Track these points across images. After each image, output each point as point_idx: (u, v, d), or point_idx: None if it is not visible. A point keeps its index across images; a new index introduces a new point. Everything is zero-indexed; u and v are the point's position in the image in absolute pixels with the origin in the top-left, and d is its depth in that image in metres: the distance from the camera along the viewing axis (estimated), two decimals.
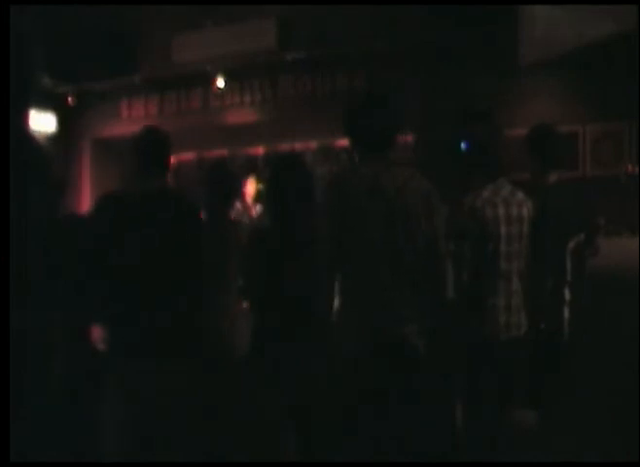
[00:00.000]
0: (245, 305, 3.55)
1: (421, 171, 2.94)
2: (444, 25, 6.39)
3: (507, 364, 3.19)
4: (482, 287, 3.20)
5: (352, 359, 2.77)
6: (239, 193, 5.35)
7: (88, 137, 9.26)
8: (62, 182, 4.51)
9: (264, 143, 8.49)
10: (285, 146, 8.14)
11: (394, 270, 2.79)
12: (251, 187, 6.28)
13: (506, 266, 3.22)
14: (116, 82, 8.48)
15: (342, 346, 2.82)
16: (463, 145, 3.35)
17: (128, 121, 8.87)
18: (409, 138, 6.89)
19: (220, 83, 8.15)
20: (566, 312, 3.85)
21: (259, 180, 6.21)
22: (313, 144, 8.13)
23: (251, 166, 8.08)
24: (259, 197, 5.99)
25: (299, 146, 8.05)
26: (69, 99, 8.82)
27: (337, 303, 2.86)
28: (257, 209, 6.07)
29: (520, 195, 3.32)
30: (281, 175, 3.30)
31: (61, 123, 9.01)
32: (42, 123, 8.69)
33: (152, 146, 3.28)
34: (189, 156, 8.58)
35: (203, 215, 3.59)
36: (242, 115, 8.34)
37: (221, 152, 8.48)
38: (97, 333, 3.38)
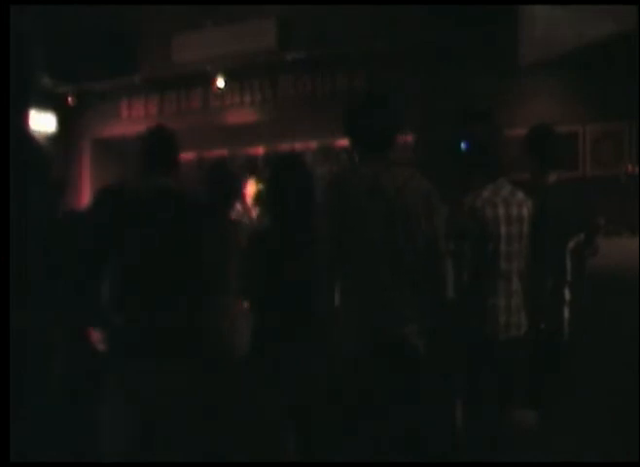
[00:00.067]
0: (245, 305, 3.55)
1: (421, 171, 2.94)
2: (444, 25, 6.39)
3: (507, 364, 3.19)
4: (482, 287, 3.20)
5: (352, 359, 2.77)
6: (239, 193, 5.35)
7: (88, 137, 9.26)
8: (62, 182, 4.52)
9: (264, 143, 8.49)
10: (285, 146, 8.14)
11: (394, 270, 2.79)
12: (251, 188, 6.28)
13: (506, 266, 3.22)
14: (116, 82, 8.48)
15: (342, 346, 2.82)
16: (463, 145, 3.35)
17: (128, 121, 8.88)
18: (409, 138, 6.89)
19: (220, 83, 8.15)
20: (566, 312, 3.85)
21: (259, 180, 6.21)
22: (313, 144, 8.13)
23: (251, 166, 8.07)
24: (259, 197, 5.99)
25: (299, 146, 8.05)
26: (69, 99, 8.82)
27: (337, 303, 2.86)
28: (255, 211, 6.06)
29: (520, 195, 3.32)
30: (281, 175, 3.30)
31: (61, 123, 9.01)
32: (42, 123, 8.69)
33: (158, 145, 3.28)
34: (189, 156, 8.57)
35: (203, 215, 3.58)
36: (242, 115, 8.35)
37: (221, 152, 8.48)
38: (97, 333, 3.38)
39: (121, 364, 3.06)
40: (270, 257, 3.20)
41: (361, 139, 2.95)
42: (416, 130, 6.74)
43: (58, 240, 3.28)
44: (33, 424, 3.07)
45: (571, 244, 3.89)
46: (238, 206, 5.73)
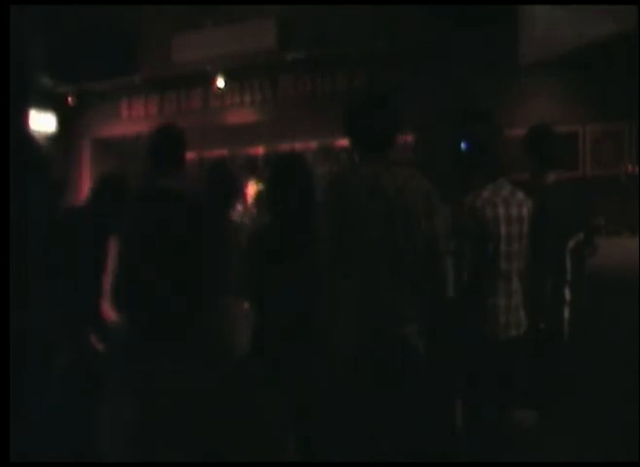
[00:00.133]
0: (245, 305, 3.55)
1: (421, 171, 2.94)
2: (444, 25, 6.38)
3: (507, 364, 3.19)
4: (482, 287, 3.20)
5: (352, 359, 2.77)
6: (240, 193, 5.34)
7: (88, 137, 9.26)
8: (62, 182, 4.52)
9: (264, 143, 8.49)
10: (285, 146, 8.14)
11: (394, 270, 2.79)
12: (252, 189, 6.28)
13: (506, 265, 3.22)
14: (116, 82, 8.48)
15: (342, 346, 2.82)
16: (463, 145, 3.35)
17: (128, 121, 8.88)
18: (409, 138, 6.89)
19: (220, 83, 8.15)
20: (566, 312, 3.85)
21: (259, 181, 6.21)
22: (313, 144, 8.13)
23: (251, 166, 8.08)
24: (259, 197, 5.98)
25: (299, 146, 8.05)
26: (69, 99, 8.82)
27: (337, 302, 2.86)
28: (253, 211, 6.06)
29: (520, 195, 3.32)
30: (282, 175, 3.30)
31: (61, 123, 9.01)
32: (42, 123, 8.69)
33: (167, 143, 3.28)
34: (189, 156, 8.55)
35: (203, 215, 3.58)
36: (242, 115, 8.34)
37: (221, 152, 8.48)
38: (97, 333, 3.38)
39: (121, 364, 3.06)
40: (270, 257, 3.20)
41: (361, 139, 2.95)
42: (416, 130, 6.74)
43: (58, 238, 3.28)
44: (33, 424, 3.07)
45: (571, 244, 3.89)
46: (239, 206, 5.73)
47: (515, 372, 3.24)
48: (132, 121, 8.81)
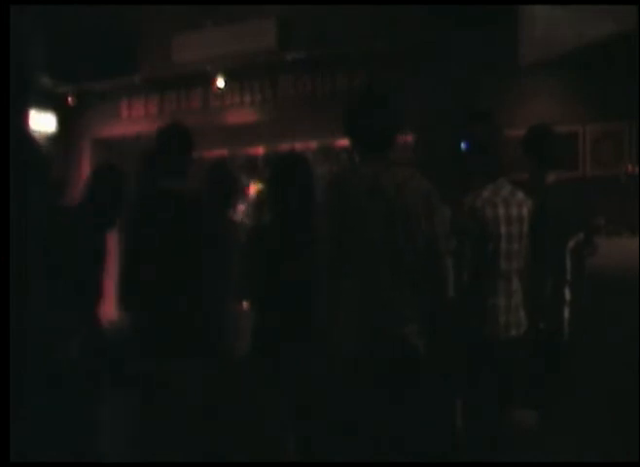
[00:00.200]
0: (245, 305, 3.55)
1: (421, 171, 2.94)
2: (444, 25, 6.38)
3: (507, 364, 3.19)
4: (482, 287, 3.20)
5: (352, 359, 2.77)
6: (241, 193, 5.35)
7: (88, 137, 9.24)
8: (62, 182, 4.52)
9: (264, 143, 8.48)
10: (285, 146, 8.12)
11: (394, 270, 2.79)
12: (254, 189, 6.28)
13: (506, 265, 3.22)
14: (116, 82, 8.47)
15: (342, 346, 2.82)
16: (463, 145, 3.35)
17: (128, 121, 8.87)
18: (409, 138, 6.89)
19: (220, 83, 8.15)
20: (566, 312, 3.85)
21: (259, 181, 6.21)
22: (313, 144, 8.11)
23: (251, 166, 8.07)
24: (259, 197, 5.99)
25: (299, 146, 8.03)
26: (69, 99, 8.81)
27: (337, 302, 2.86)
28: (256, 211, 6.06)
29: (520, 195, 3.33)
30: (282, 174, 3.30)
31: (61, 123, 9.00)
32: (42, 123, 8.68)
33: (174, 143, 3.28)
34: None
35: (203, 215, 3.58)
36: (242, 115, 8.34)
37: (221, 152, 8.47)
38: (98, 332, 3.38)
39: (121, 364, 3.06)
40: (270, 256, 3.20)
41: (361, 139, 2.95)
42: (416, 130, 6.73)
43: (58, 236, 3.27)
44: (33, 424, 3.06)
45: (571, 244, 3.89)
46: (241, 206, 5.73)
47: (515, 372, 3.24)
48: (132, 121, 8.79)
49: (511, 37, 5.95)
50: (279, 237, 3.21)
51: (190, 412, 3.06)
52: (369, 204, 2.78)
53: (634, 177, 5.90)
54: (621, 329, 4.06)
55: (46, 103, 8.69)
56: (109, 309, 3.66)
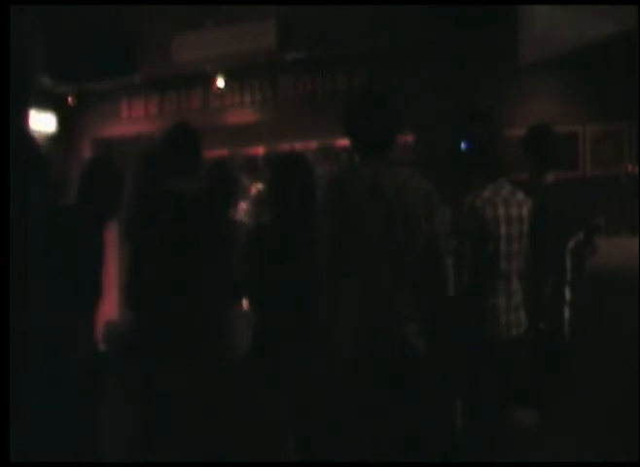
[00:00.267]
0: (245, 304, 3.55)
1: (421, 171, 2.94)
2: (444, 25, 6.38)
3: (507, 364, 3.19)
4: (482, 287, 3.20)
5: (352, 359, 2.77)
6: (240, 193, 5.34)
7: (88, 137, 9.24)
8: (62, 182, 4.52)
9: (264, 143, 8.48)
10: (285, 146, 8.12)
11: (394, 270, 2.79)
12: (254, 189, 6.28)
13: (506, 265, 3.22)
14: (116, 82, 8.47)
15: (342, 346, 2.82)
16: (463, 145, 3.35)
17: (128, 121, 8.86)
18: (409, 138, 6.89)
19: (220, 83, 8.14)
20: (566, 312, 3.85)
21: (259, 181, 6.21)
22: (313, 144, 8.11)
23: (251, 166, 8.07)
24: (259, 197, 5.99)
25: (299, 146, 8.03)
26: (69, 99, 8.80)
27: (337, 302, 2.86)
28: (251, 209, 6.05)
29: (520, 195, 3.33)
30: (282, 174, 3.30)
31: (61, 123, 8.99)
32: (42, 123, 8.67)
33: (182, 144, 3.29)
34: None
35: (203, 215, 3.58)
36: (242, 115, 8.33)
37: (221, 152, 8.47)
38: (97, 333, 3.38)
39: (121, 364, 3.06)
40: (270, 256, 3.20)
41: (361, 139, 2.95)
42: (416, 130, 6.73)
43: (57, 235, 3.27)
44: (33, 424, 3.07)
45: (571, 244, 3.89)
46: (243, 205, 5.73)
47: (515, 372, 3.24)
48: (132, 121, 8.79)
49: (511, 37, 5.94)
50: (279, 237, 3.21)
51: (190, 412, 3.06)
52: (369, 204, 2.78)
53: (634, 177, 5.90)
54: (621, 329, 4.06)
55: (46, 103, 8.68)
56: (109, 309, 3.66)
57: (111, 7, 7.89)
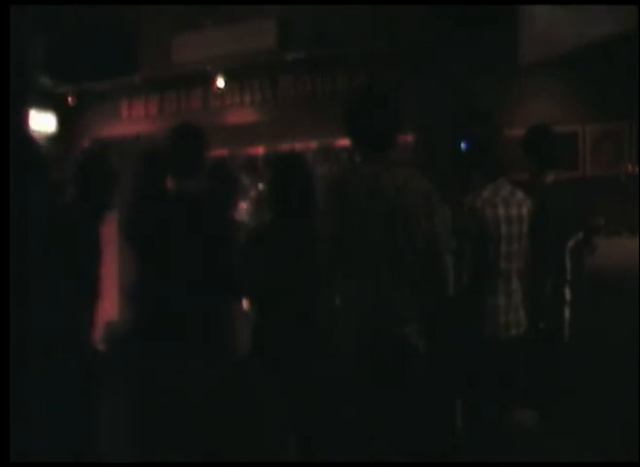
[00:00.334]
0: (245, 305, 3.55)
1: (421, 171, 2.94)
2: (444, 25, 6.38)
3: (507, 364, 3.19)
4: (482, 287, 3.20)
5: (352, 359, 2.77)
6: (242, 193, 5.34)
7: (88, 137, 9.25)
8: (62, 182, 4.51)
9: (264, 143, 8.48)
10: (285, 146, 8.12)
11: (394, 270, 2.79)
12: (254, 189, 6.28)
13: (506, 265, 3.22)
14: (116, 82, 8.47)
15: (342, 346, 2.82)
16: (463, 145, 3.35)
17: (128, 121, 8.87)
18: (409, 138, 6.89)
19: (220, 83, 8.15)
20: (566, 312, 3.86)
21: (259, 181, 6.21)
22: (313, 144, 8.11)
23: (251, 166, 8.07)
24: (259, 197, 5.99)
25: (299, 146, 8.03)
26: (69, 99, 8.81)
27: (337, 303, 2.86)
28: (251, 208, 6.05)
29: (520, 195, 3.33)
30: (282, 175, 3.30)
31: (61, 123, 9.00)
32: (42, 123, 8.68)
33: (187, 144, 3.29)
34: None
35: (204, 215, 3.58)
36: (242, 115, 8.34)
37: (221, 152, 8.47)
38: (97, 333, 3.38)
39: (121, 364, 3.06)
40: (271, 256, 3.20)
41: (361, 139, 2.95)
42: (416, 130, 6.73)
43: (57, 234, 3.27)
44: (33, 424, 3.07)
45: (570, 244, 3.89)
46: (243, 205, 5.73)
47: (515, 372, 3.24)
48: (132, 121, 8.80)
49: (511, 37, 5.95)
50: (279, 237, 3.21)
51: (190, 412, 3.06)
52: (369, 204, 2.78)
53: (634, 177, 5.91)
54: (621, 329, 4.06)
55: (46, 103, 8.68)
56: (109, 309, 3.66)
57: (111, 7, 7.90)
